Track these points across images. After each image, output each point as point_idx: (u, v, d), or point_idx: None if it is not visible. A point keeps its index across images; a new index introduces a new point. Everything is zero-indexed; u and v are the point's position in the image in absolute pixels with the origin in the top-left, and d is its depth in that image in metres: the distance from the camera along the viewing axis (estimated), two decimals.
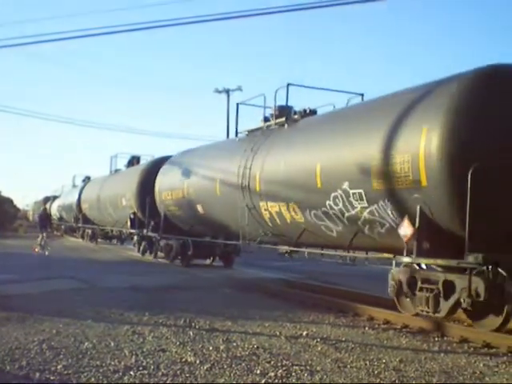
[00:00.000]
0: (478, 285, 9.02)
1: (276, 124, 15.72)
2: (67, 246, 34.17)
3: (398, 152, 9.86)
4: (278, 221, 14.30)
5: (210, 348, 8.43)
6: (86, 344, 8.46)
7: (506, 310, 9.11)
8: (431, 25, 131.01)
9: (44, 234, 27.67)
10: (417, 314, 10.48)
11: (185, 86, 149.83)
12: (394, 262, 11.24)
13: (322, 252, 14.22)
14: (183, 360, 7.70)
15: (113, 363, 7.42)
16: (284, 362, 7.73)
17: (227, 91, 42.67)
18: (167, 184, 21.05)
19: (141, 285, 15.29)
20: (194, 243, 20.78)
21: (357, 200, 11.10)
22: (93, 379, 6.71)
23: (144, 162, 28.73)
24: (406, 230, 9.90)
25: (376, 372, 7.35)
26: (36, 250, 27.20)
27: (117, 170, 32.99)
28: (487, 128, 8.97)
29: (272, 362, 7.66)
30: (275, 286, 15.35)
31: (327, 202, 11.90)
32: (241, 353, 8.19)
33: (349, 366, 7.60)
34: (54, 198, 55.69)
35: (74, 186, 44.85)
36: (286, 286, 16.05)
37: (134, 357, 7.78)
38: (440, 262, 9.90)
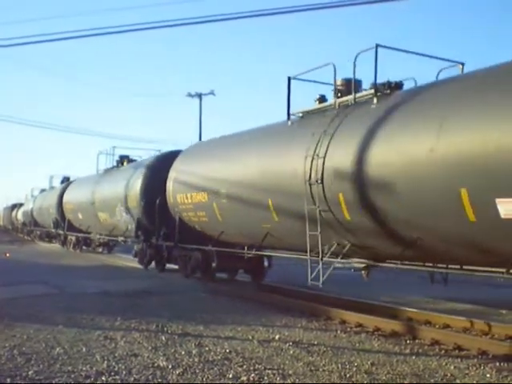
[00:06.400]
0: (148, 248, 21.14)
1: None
2: (38, 251, 34.01)
3: (132, 190, 21.52)
4: (107, 222, 25.42)
5: (183, 353, 8.43)
6: (58, 349, 8.41)
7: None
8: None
9: None
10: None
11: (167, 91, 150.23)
12: None
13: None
14: (155, 365, 7.68)
15: (84, 369, 7.37)
16: (256, 365, 7.75)
17: (199, 95, 42.59)
18: (71, 198, 32.45)
19: (111, 289, 15.18)
20: (83, 238, 32.27)
21: (125, 213, 22.64)
22: None
23: (72, 180, 38.22)
24: (133, 228, 21.71)
25: (348, 375, 7.40)
26: (7, 255, 27.66)
27: (52, 187, 43.14)
28: (151, 183, 20.35)
29: (244, 366, 7.68)
30: (249, 290, 15.36)
31: (117, 214, 23.42)
32: (213, 357, 8.20)
33: (321, 370, 7.64)
34: (21, 205, 60.68)
35: (32, 196, 52.99)
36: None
37: (105, 362, 7.75)
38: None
